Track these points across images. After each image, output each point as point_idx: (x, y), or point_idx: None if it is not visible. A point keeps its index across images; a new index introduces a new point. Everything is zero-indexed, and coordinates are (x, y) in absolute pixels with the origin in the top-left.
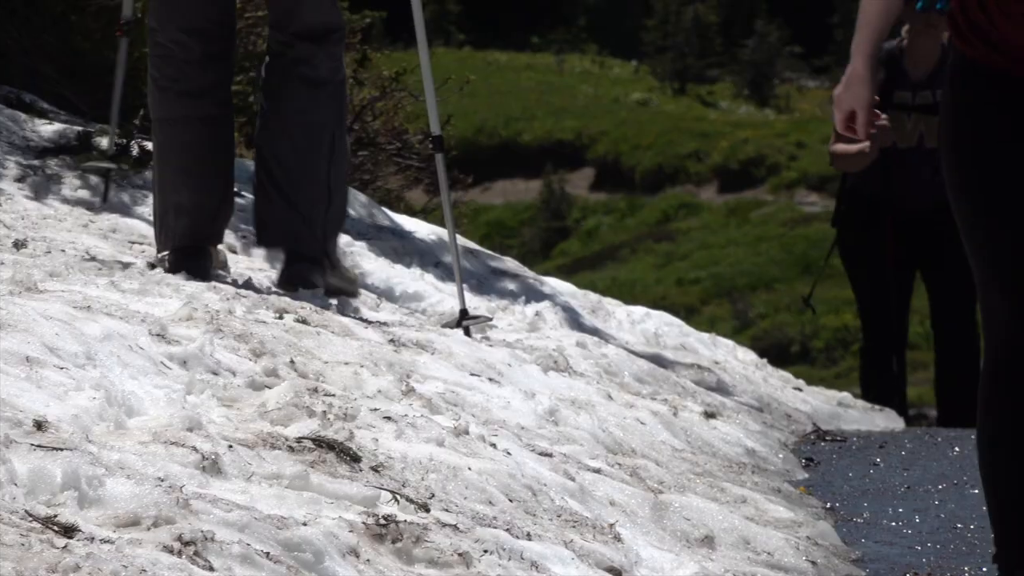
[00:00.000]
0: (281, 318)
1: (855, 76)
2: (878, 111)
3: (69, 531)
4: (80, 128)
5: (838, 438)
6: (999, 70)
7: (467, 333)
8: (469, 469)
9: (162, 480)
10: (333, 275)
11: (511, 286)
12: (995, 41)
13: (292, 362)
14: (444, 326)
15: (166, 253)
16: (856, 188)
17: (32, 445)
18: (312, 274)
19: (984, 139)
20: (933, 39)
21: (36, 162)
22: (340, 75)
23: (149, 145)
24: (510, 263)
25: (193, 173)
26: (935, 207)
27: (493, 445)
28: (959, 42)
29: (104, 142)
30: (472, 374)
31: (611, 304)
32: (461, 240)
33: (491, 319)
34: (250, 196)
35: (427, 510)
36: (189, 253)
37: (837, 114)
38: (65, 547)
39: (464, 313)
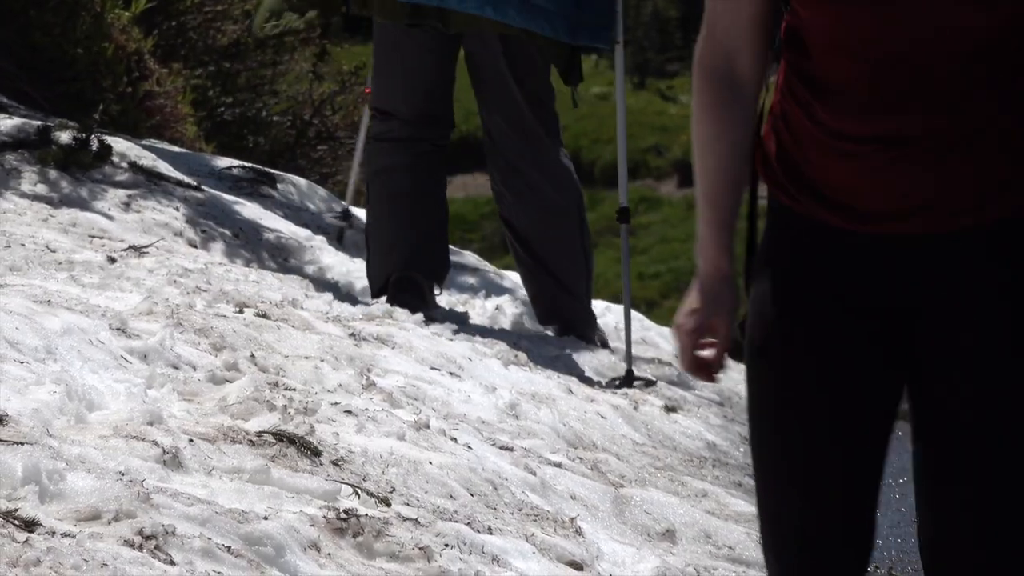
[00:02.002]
0: (241, 312)
1: (712, 278)
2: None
3: (30, 525)
4: (39, 123)
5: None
6: (824, 225)
7: (630, 386)
8: (430, 463)
9: (123, 474)
10: (594, 330)
11: (471, 280)
12: (815, 187)
13: (253, 356)
14: (607, 386)
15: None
16: None
17: None
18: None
19: (794, 319)
20: None
21: None
22: (560, 137)
23: (108, 139)
24: (471, 257)
25: (407, 218)
26: None
27: (454, 439)
28: (771, 188)
29: (64, 137)
30: (433, 368)
31: None
32: None
33: (655, 382)
34: (209, 189)
35: (388, 504)
36: (404, 287)
37: (681, 339)
38: (26, 541)
39: (630, 374)
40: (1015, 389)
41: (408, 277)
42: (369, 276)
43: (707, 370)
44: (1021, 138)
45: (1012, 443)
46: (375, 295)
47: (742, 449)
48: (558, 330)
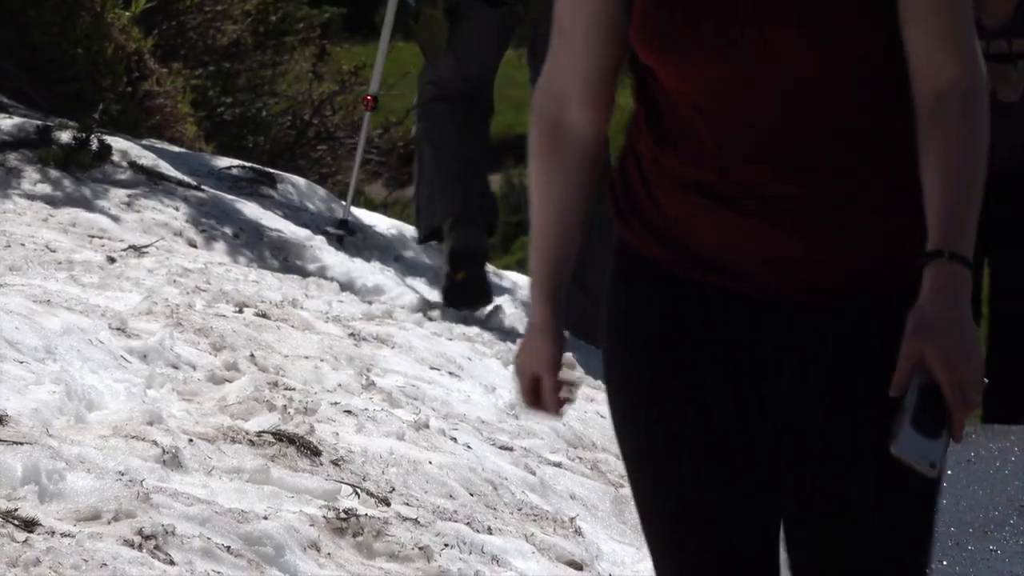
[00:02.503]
0: (241, 312)
1: (534, 327)
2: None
3: (29, 525)
4: (39, 122)
5: None
6: (668, 269)
7: None
8: (430, 463)
9: (122, 474)
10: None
11: None
12: (661, 231)
13: (252, 356)
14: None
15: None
16: None
17: None
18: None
19: (648, 364)
20: None
21: None
22: None
23: (108, 139)
24: None
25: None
26: (1013, 175)
27: (454, 439)
28: (619, 225)
29: (64, 136)
30: (432, 368)
31: None
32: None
33: None
34: (209, 189)
35: (388, 504)
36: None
37: (518, 381)
38: (25, 541)
39: None
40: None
41: (468, 252)
42: (422, 220)
43: (545, 409)
44: (890, 212)
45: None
46: (423, 240)
47: None
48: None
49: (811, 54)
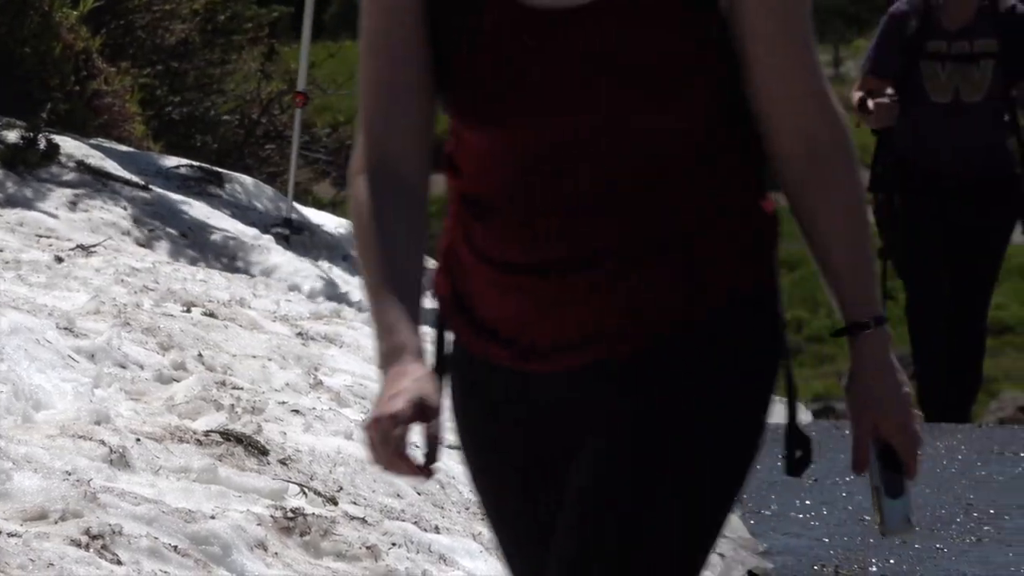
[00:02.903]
0: (189, 311)
1: (402, 370)
2: None
3: None
4: None
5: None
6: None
7: None
8: None
9: (70, 474)
10: None
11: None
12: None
13: (200, 356)
14: None
15: None
16: (888, 148)
17: None
18: None
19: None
20: None
21: None
22: None
23: (56, 138)
24: None
25: None
26: (972, 176)
27: None
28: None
29: (11, 136)
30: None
31: None
32: None
33: None
34: (157, 189)
35: (335, 503)
36: None
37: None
38: None
39: None
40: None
41: None
42: None
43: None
44: (699, 266)
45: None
46: None
47: None
48: None
49: (631, 117)
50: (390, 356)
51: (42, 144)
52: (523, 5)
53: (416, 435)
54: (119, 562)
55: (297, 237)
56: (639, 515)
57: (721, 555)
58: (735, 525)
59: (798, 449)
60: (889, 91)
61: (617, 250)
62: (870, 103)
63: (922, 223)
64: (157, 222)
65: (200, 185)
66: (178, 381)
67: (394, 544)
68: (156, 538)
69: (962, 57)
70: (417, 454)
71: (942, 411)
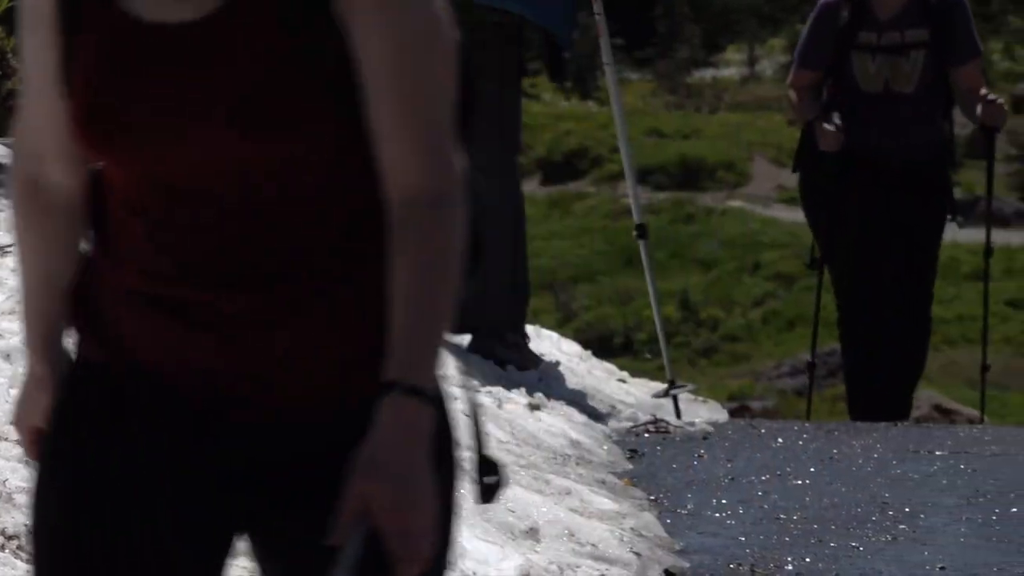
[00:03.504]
0: None
1: (32, 381)
2: None
3: None
4: None
5: (662, 429)
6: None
7: (675, 402)
8: None
9: None
10: None
11: None
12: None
13: None
14: (655, 396)
15: None
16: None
17: None
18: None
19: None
20: None
21: None
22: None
23: None
24: None
25: None
26: (903, 167)
27: None
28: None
29: None
30: None
31: None
32: None
33: (694, 387)
34: None
35: None
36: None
37: (19, 434)
38: None
39: (672, 383)
40: None
41: None
42: None
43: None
44: (352, 323)
45: None
46: None
47: (605, 447)
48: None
49: (250, 154)
50: (28, 373)
51: None
52: (133, 19)
53: None
54: None
55: None
56: None
57: (637, 554)
58: (651, 524)
59: (489, 476)
60: (836, 120)
61: (256, 306)
62: (818, 128)
63: (857, 211)
64: None
65: None
66: None
67: None
68: None
69: (893, 48)
70: None
71: (874, 406)
